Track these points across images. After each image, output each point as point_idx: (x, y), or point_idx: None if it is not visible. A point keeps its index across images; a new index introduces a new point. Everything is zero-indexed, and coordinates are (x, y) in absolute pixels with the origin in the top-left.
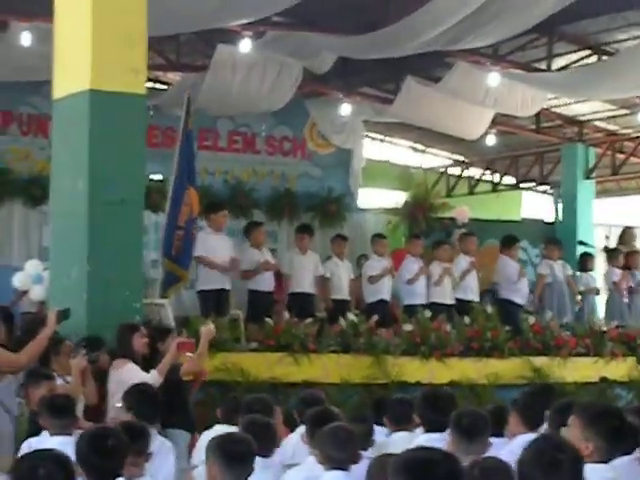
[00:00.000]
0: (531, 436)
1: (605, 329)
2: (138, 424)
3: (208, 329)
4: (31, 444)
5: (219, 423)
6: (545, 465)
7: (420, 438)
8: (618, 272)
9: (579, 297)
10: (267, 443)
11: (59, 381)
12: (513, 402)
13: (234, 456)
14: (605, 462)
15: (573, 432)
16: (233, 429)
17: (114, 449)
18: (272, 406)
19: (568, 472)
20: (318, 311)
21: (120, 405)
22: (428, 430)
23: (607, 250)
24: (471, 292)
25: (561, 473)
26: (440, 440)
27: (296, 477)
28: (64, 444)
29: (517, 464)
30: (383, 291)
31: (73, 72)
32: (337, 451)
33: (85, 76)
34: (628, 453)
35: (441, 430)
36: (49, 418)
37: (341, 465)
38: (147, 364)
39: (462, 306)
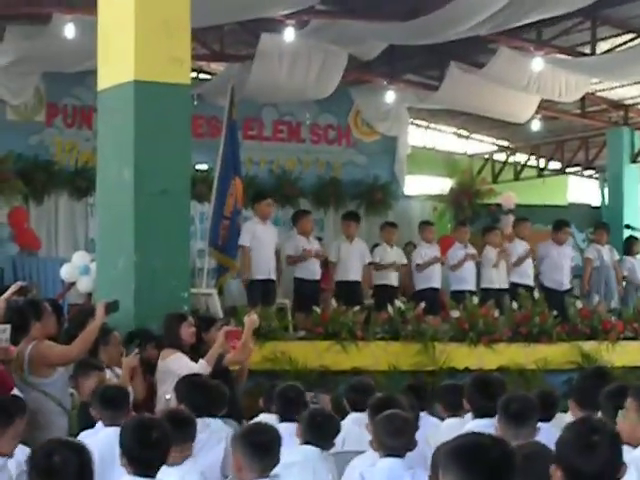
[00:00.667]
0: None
1: None
2: (183, 412)
3: (251, 319)
4: (85, 436)
5: (263, 412)
6: (582, 447)
7: (470, 424)
8: None
9: (623, 283)
10: (329, 435)
11: (108, 372)
12: (571, 388)
13: (259, 446)
14: None
15: (631, 415)
16: (275, 418)
17: (158, 441)
18: (304, 392)
19: (604, 454)
20: (366, 299)
21: (169, 397)
22: (477, 416)
23: None
24: (527, 277)
25: (597, 455)
26: (489, 426)
27: (361, 465)
28: (117, 435)
29: (555, 445)
30: (433, 278)
31: (117, 63)
32: (392, 438)
33: (129, 67)
34: None
35: (490, 415)
36: (101, 409)
37: (396, 452)
38: (193, 354)
39: (516, 291)
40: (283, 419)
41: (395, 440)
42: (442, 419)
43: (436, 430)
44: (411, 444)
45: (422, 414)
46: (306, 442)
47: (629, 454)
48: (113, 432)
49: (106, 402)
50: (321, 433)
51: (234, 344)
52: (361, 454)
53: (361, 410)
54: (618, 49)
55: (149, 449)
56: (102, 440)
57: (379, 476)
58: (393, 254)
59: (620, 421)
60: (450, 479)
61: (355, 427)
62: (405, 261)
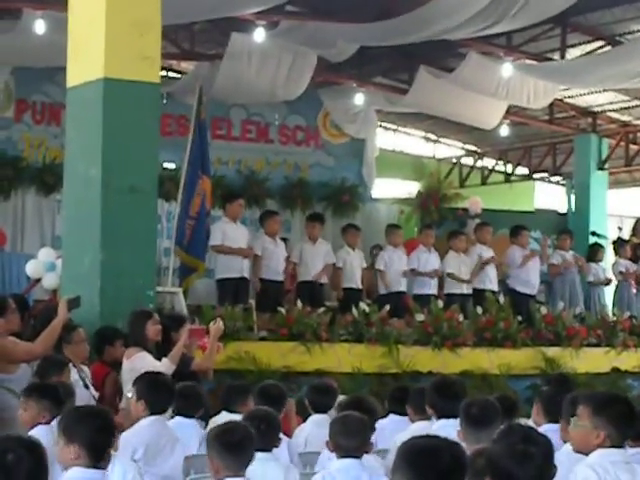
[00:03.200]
0: (553, 427)
1: (616, 319)
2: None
3: (217, 327)
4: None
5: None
6: (517, 457)
7: (436, 424)
8: (625, 263)
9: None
10: (269, 436)
11: (72, 370)
12: (538, 393)
13: (231, 445)
14: (617, 447)
15: (582, 422)
16: (237, 416)
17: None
18: (284, 393)
19: (537, 462)
20: (328, 300)
21: (130, 395)
22: (439, 417)
23: (614, 241)
24: (489, 282)
25: (530, 463)
26: (455, 426)
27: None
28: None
29: (487, 455)
30: (398, 282)
31: (87, 60)
32: (347, 439)
33: (99, 64)
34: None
35: (455, 416)
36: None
37: (352, 453)
38: (160, 354)
39: (481, 296)
40: None
41: (350, 441)
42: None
43: (404, 433)
44: (367, 446)
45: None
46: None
47: (583, 460)
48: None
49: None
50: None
51: (202, 343)
52: (308, 454)
53: (323, 411)
54: (588, 56)
55: (104, 436)
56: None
57: (337, 477)
58: (355, 257)
59: (572, 429)
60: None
61: (316, 428)
62: (365, 264)
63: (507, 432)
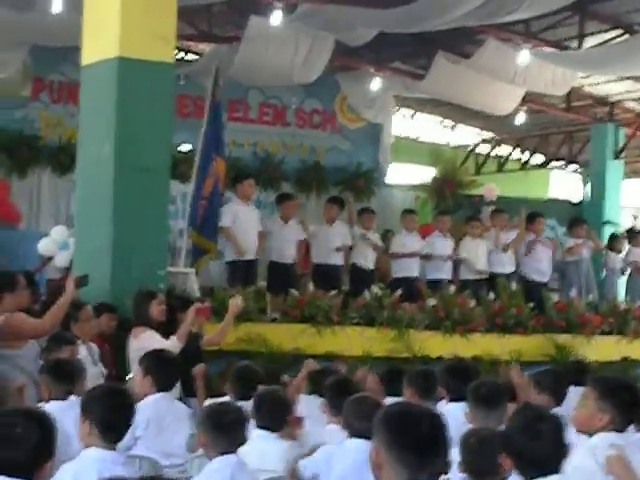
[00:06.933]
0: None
1: (628, 308)
2: None
3: (236, 303)
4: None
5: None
6: (529, 434)
7: (445, 407)
8: (638, 252)
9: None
10: (272, 416)
11: (81, 346)
12: (535, 379)
13: (222, 425)
14: (619, 431)
15: (588, 403)
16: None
17: (124, 406)
18: (261, 374)
19: (550, 439)
20: (344, 283)
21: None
22: (452, 400)
23: (628, 230)
24: (507, 265)
25: (544, 440)
26: (464, 408)
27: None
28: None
29: (502, 433)
30: (411, 267)
31: (102, 39)
32: (360, 421)
33: (114, 43)
34: None
35: (465, 399)
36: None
37: (364, 434)
38: (169, 333)
39: (496, 281)
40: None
41: (363, 423)
42: None
43: None
44: None
45: None
46: (259, 426)
47: (585, 442)
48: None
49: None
50: (269, 415)
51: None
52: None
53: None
54: (605, 44)
55: (117, 414)
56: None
57: (346, 455)
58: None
59: (578, 410)
60: (378, 443)
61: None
62: (381, 245)
63: (521, 411)
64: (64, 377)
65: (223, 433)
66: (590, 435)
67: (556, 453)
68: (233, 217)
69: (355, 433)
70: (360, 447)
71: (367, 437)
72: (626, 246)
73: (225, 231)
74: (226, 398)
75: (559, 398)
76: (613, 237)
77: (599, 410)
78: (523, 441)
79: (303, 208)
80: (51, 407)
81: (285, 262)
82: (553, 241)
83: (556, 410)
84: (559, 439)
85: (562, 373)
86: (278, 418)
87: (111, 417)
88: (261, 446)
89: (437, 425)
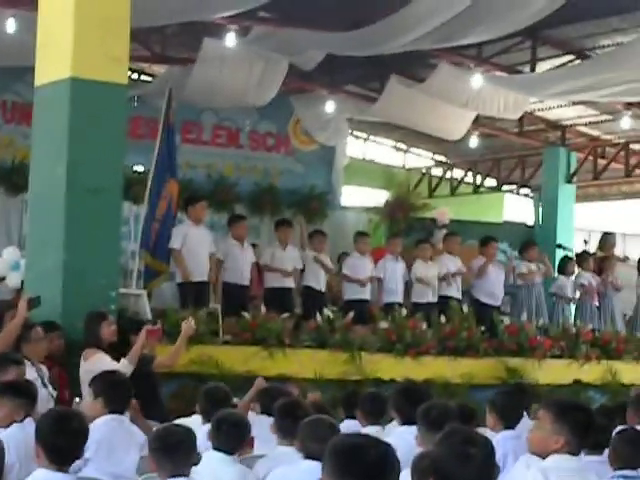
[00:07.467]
0: (511, 433)
1: (578, 332)
2: None
3: (189, 325)
4: None
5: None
6: (459, 458)
7: (397, 431)
8: (587, 276)
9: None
10: (232, 439)
11: (29, 367)
12: (491, 401)
13: (168, 447)
14: (574, 454)
15: (543, 426)
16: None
17: (76, 431)
18: (230, 395)
19: (479, 463)
20: (296, 306)
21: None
22: (403, 423)
23: (578, 254)
24: (456, 290)
25: (473, 464)
26: (413, 432)
27: (266, 467)
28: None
29: (430, 457)
30: (363, 290)
31: (55, 59)
32: (315, 443)
33: (66, 64)
34: (599, 453)
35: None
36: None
37: (318, 457)
38: (121, 355)
39: (446, 304)
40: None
41: (318, 445)
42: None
43: None
44: None
45: None
46: (215, 448)
47: (537, 464)
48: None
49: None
50: (228, 438)
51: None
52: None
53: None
54: (557, 69)
55: (67, 439)
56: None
57: (299, 476)
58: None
59: (533, 432)
60: (325, 473)
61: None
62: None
63: (449, 434)
64: (22, 397)
65: (169, 455)
66: (543, 457)
67: (485, 477)
68: (183, 239)
69: (309, 455)
70: (314, 469)
71: (320, 459)
72: (576, 269)
73: (173, 253)
74: (196, 418)
75: (508, 420)
76: (564, 260)
77: (554, 433)
78: (452, 465)
79: (256, 230)
80: (12, 431)
81: (239, 283)
82: (510, 264)
83: (505, 432)
84: (489, 462)
85: (515, 395)
86: (236, 441)
87: (60, 443)
88: (217, 469)
89: (383, 455)
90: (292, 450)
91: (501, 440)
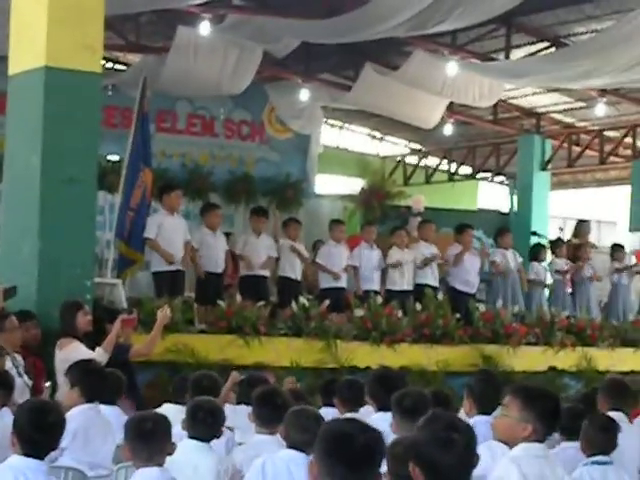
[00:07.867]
0: (485, 418)
1: (553, 319)
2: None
3: (164, 314)
4: None
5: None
6: (439, 444)
7: (372, 417)
8: (561, 262)
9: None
10: (207, 426)
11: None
12: (468, 386)
13: (142, 435)
14: (541, 442)
15: (510, 413)
16: (181, 408)
17: (52, 424)
18: (219, 382)
19: (460, 448)
20: (271, 294)
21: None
22: (379, 409)
23: (552, 241)
24: (431, 278)
25: (454, 450)
26: (388, 419)
27: (244, 455)
28: None
29: (411, 442)
30: (339, 279)
31: (29, 48)
32: (298, 433)
33: (40, 52)
34: (576, 439)
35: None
36: None
37: (301, 447)
38: (96, 344)
39: (421, 292)
40: None
41: (300, 435)
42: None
43: None
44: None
45: None
46: (191, 437)
47: (508, 454)
48: None
49: None
50: (204, 425)
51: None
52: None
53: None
54: (532, 56)
55: (43, 433)
56: None
57: (280, 464)
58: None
59: (500, 418)
60: (315, 457)
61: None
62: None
63: (431, 419)
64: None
65: (143, 442)
66: (510, 445)
67: (466, 463)
68: (157, 229)
69: (293, 444)
70: (294, 458)
71: (303, 449)
72: (549, 256)
73: (149, 243)
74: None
75: (484, 406)
76: (536, 247)
77: (522, 420)
78: (434, 450)
79: (231, 219)
80: None
81: (214, 272)
82: (484, 250)
83: (478, 417)
84: (470, 448)
85: (493, 382)
86: (212, 428)
87: (37, 437)
88: (193, 458)
89: (370, 441)
90: (271, 438)
91: (474, 424)
